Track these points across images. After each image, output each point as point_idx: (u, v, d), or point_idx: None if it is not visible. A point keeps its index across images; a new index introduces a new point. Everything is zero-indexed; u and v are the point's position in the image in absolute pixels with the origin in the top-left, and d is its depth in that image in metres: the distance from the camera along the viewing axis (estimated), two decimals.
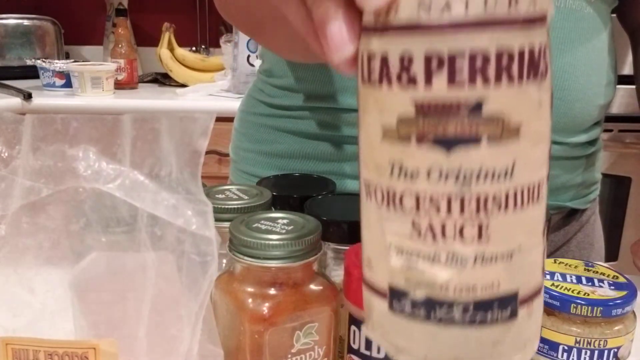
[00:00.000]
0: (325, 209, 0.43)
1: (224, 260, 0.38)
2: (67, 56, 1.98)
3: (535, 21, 0.21)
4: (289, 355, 0.34)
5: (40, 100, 1.54)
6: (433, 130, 0.22)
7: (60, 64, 1.68)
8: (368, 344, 0.35)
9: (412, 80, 0.22)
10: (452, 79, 0.21)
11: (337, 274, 0.40)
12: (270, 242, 0.33)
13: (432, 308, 0.23)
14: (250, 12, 0.29)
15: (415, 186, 0.23)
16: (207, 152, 0.38)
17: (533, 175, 0.23)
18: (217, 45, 1.87)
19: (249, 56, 1.60)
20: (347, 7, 0.23)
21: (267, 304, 0.33)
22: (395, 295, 0.24)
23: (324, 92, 0.58)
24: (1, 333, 0.32)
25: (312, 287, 0.35)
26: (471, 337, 0.23)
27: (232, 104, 1.44)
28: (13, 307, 0.33)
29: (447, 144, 0.22)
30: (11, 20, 1.86)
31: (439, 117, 0.22)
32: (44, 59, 1.73)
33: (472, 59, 0.21)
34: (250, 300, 0.34)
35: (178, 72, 1.77)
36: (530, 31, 0.21)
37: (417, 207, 0.23)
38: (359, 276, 0.27)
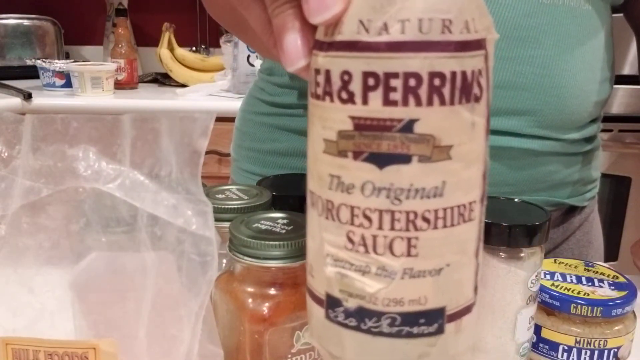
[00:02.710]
0: None
1: (224, 260, 0.38)
2: (67, 56, 1.98)
3: (469, 45, 0.22)
4: (289, 355, 0.34)
5: (40, 100, 1.54)
6: (368, 146, 0.22)
7: (60, 64, 1.67)
8: None
9: (351, 97, 0.22)
10: (386, 97, 0.22)
11: None
12: (270, 242, 0.33)
13: (362, 318, 0.24)
14: (231, 11, 0.30)
15: (351, 199, 0.23)
16: (207, 152, 0.38)
17: (464, 196, 0.23)
18: (217, 45, 1.87)
19: (249, 56, 1.60)
20: (304, 19, 0.23)
21: (267, 304, 0.33)
22: (330, 304, 0.25)
23: None
24: (1, 333, 0.32)
25: None
26: (398, 348, 0.24)
27: (232, 104, 1.44)
28: (13, 307, 0.33)
29: (380, 160, 0.22)
30: (11, 20, 1.85)
31: (373, 134, 0.22)
32: (44, 59, 1.73)
33: (406, 79, 0.21)
34: (250, 300, 0.34)
35: (178, 72, 1.77)
36: (464, 55, 0.22)
37: (352, 219, 0.23)
38: None
